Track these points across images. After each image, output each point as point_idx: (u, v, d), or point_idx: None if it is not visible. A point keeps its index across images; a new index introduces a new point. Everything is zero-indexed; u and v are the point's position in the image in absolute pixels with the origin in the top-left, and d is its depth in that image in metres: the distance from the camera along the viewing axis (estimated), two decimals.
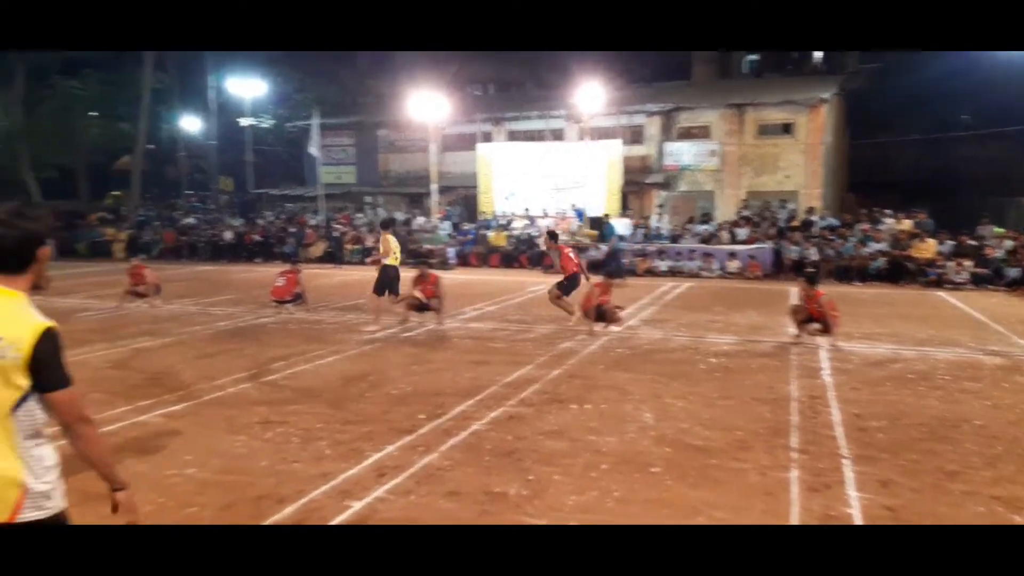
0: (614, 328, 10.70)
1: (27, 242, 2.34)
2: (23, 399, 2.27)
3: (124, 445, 5.53)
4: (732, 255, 20.06)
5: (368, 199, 30.48)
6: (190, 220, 29.22)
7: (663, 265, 20.36)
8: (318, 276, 18.35)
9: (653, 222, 23.85)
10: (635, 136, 27.54)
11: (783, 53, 32.05)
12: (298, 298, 12.62)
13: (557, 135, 28.14)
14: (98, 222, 28.80)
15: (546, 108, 28.38)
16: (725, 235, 21.65)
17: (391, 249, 11.28)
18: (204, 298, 14.66)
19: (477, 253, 23.54)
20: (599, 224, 22.72)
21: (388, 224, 12.23)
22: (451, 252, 23.07)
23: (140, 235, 27.10)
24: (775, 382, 7.74)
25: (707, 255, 20.32)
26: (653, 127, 27.33)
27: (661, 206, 25.77)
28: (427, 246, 23.31)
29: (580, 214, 23.34)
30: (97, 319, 11.96)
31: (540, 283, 17.77)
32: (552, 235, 12.45)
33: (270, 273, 15.45)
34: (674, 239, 22.21)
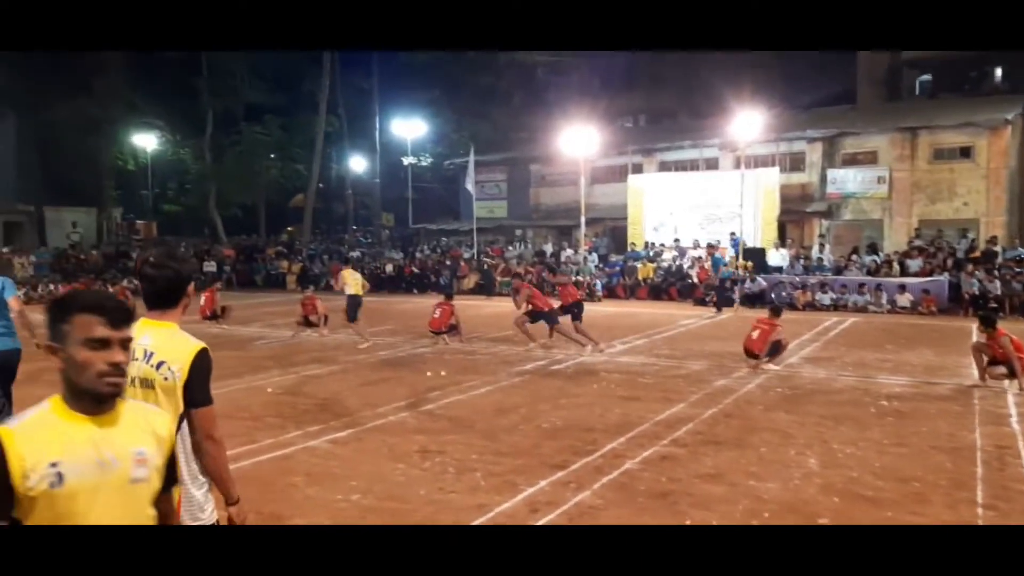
0: (772, 366, 10.24)
1: (178, 281, 2.68)
2: (183, 417, 2.55)
3: (295, 468, 5.90)
4: (902, 288, 18.69)
5: (518, 232, 31.10)
6: (355, 253, 30.97)
7: (825, 298, 19.28)
8: (470, 308, 18.87)
9: (814, 253, 22.69)
10: (795, 163, 26.44)
11: (959, 72, 29.77)
12: (453, 329, 13.04)
13: (711, 164, 27.54)
14: (274, 256, 31.19)
15: (699, 137, 27.88)
16: (895, 266, 20.23)
17: (348, 282, 13.07)
18: (367, 328, 15.44)
19: (624, 285, 23.37)
20: (755, 255, 21.93)
21: (347, 261, 15.51)
22: (598, 284, 23.04)
23: (311, 267, 29.08)
24: (956, 429, 7.09)
25: (875, 288, 19.04)
26: (815, 153, 26.12)
27: (823, 236, 24.47)
28: (576, 277, 23.46)
29: (736, 244, 22.60)
30: (272, 347, 12.91)
31: (691, 316, 17.36)
32: (518, 275, 12.91)
33: (426, 304, 16.10)
34: (838, 271, 21.01)
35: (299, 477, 5.69)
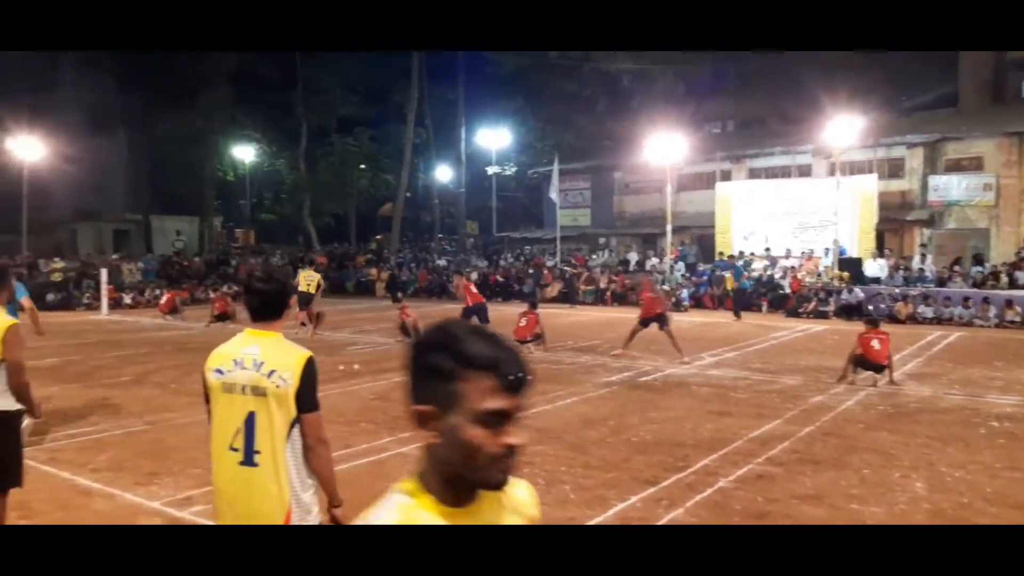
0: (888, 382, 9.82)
1: (285, 295, 2.84)
2: (295, 422, 2.66)
3: (389, 474, 6.04)
4: (1010, 302, 17.64)
5: (602, 240, 30.94)
6: (441, 262, 31.49)
7: (928, 311, 18.39)
8: (554, 316, 18.88)
9: (915, 263, 21.68)
10: (893, 170, 25.39)
11: None
12: (538, 338, 13.09)
13: (804, 171, 26.72)
14: (363, 263, 32.03)
15: (792, 143, 27.10)
16: (1002, 278, 19.12)
17: (299, 281, 15.29)
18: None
19: (712, 295, 22.89)
20: (852, 265, 21.14)
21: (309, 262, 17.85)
22: (685, 294, 22.65)
23: (399, 275, 29.73)
24: None
25: (982, 301, 18.03)
26: (915, 159, 25.02)
27: (924, 245, 23.36)
28: (662, 287, 23.15)
29: (843, 252, 21.88)
30: (363, 352, 13.25)
31: (784, 328, 16.85)
32: (459, 272, 12.93)
33: (510, 312, 16.20)
34: (940, 282, 20.00)
35: (390, 480, 5.81)
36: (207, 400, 2.80)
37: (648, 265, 25.83)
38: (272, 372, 2.63)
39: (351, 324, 17.84)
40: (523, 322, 13.13)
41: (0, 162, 27.04)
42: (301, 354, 2.69)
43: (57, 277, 25.14)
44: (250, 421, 2.65)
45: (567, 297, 24.67)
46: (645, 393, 9.48)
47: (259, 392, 2.64)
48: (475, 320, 13.21)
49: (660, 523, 4.95)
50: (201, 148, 35.27)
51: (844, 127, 21.06)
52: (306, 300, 15.19)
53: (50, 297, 23.99)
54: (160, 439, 7.18)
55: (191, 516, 5.10)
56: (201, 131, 34.26)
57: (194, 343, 14.83)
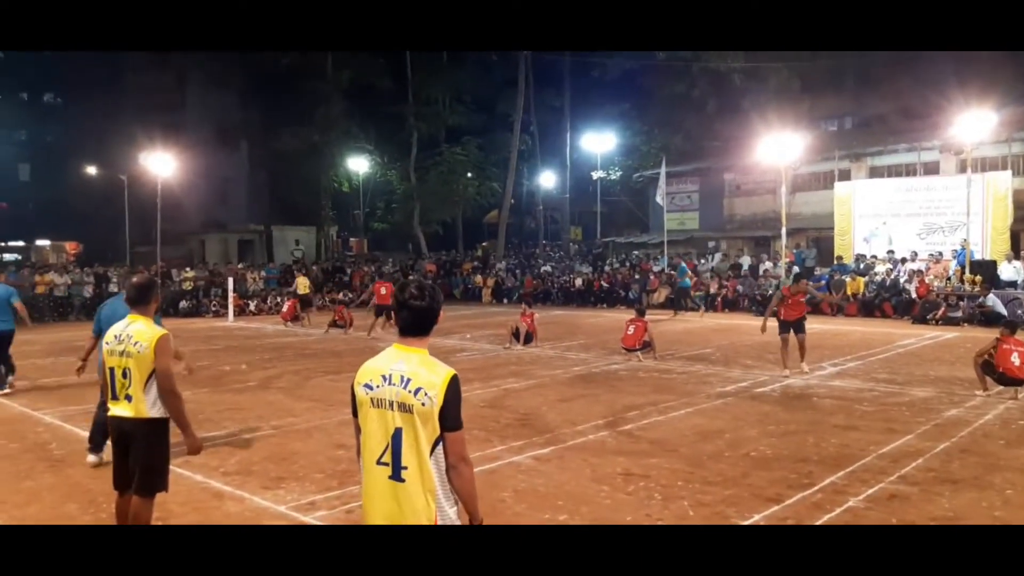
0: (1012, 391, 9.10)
1: (435, 312, 2.88)
2: (439, 440, 2.70)
3: (503, 484, 6.07)
4: None
5: (711, 244, 30.17)
6: (546, 268, 31.55)
7: None
8: (662, 323, 18.55)
9: None
10: None
11: None
12: (647, 346, 12.88)
13: (930, 168, 25.15)
14: (470, 270, 32.53)
15: (916, 139, 25.56)
16: None
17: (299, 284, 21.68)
18: (560, 342, 15.67)
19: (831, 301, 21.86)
20: (985, 268, 19.72)
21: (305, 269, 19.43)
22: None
23: (504, 282, 29.99)
24: None
25: None
26: None
27: None
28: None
29: (961, 256, 20.45)
30: (473, 359, 13.44)
31: (911, 336, 15.91)
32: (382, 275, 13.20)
33: (616, 318, 16.06)
34: None
35: (507, 493, 5.85)
36: (355, 414, 2.87)
37: (761, 269, 24.96)
38: (418, 389, 2.69)
39: (459, 331, 18.12)
40: (631, 330, 12.95)
41: (137, 178, 29.13)
42: (447, 372, 2.73)
43: (188, 286, 26.84)
44: (397, 437, 2.71)
45: (674, 303, 24.19)
46: (763, 405, 9.14)
47: (405, 409, 2.70)
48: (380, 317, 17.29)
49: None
50: (318, 160, 36.84)
51: (975, 121, 19.67)
52: (307, 302, 21.22)
53: (182, 304, 25.63)
54: (284, 444, 7.50)
55: (314, 520, 5.29)
56: (318, 144, 35.79)
57: (312, 349, 15.47)
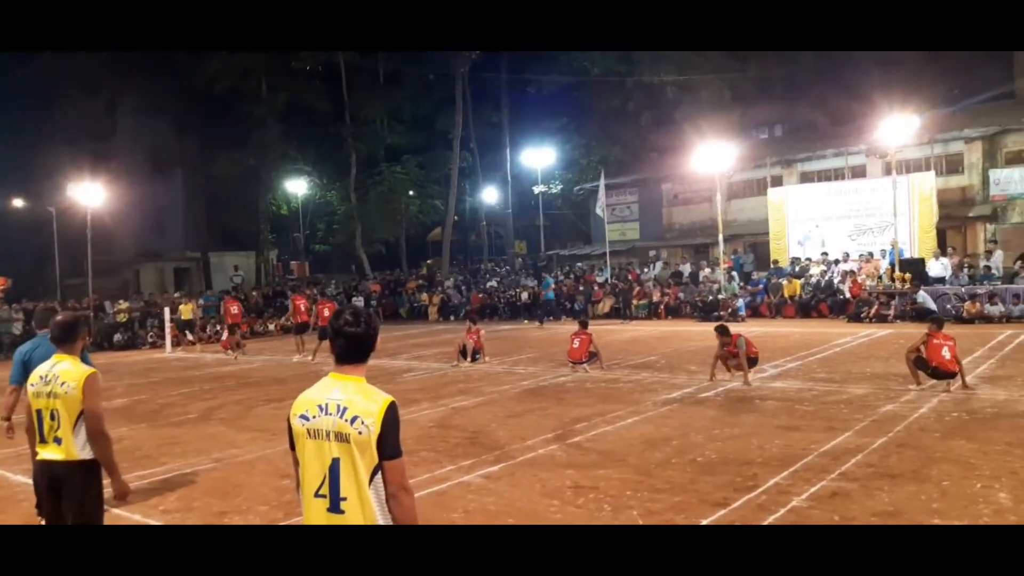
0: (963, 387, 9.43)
1: (371, 339, 2.83)
2: (378, 468, 2.64)
3: (453, 505, 6.01)
4: None
5: (652, 253, 30.64)
6: (492, 283, 31.56)
7: (996, 310, 17.67)
8: (608, 333, 18.70)
9: (981, 261, 20.90)
10: (952, 166, 24.62)
11: None
12: (593, 357, 12.96)
13: (857, 172, 26.06)
14: (415, 289, 32.33)
15: (843, 144, 26.50)
16: None
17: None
18: (508, 357, 15.66)
19: (769, 303, 22.42)
20: (914, 266, 20.48)
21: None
22: (741, 303, 22.21)
23: (450, 299, 29.88)
24: None
25: None
26: (974, 154, 24.22)
27: (994, 241, 22.42)
28: (717, 297, 22.75)
29: (891, 255, 21.19)
30: (420, 378, 13.31)
31: (846, 335, 16.38)
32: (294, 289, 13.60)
33: (562, 331, 16.13)
34: (1011, 278, 19.22)
35: (457, 514, 5.79)
36: (292, 447, 2.80)
37: (701, 276, 25.44)
38: (355, 418, 2.63)
39: (406, 351, 17.96)
40: (576, 343, 13.01)
41: (66, 209, 28.18)
42: (384, 400, 2.68)
43: (123, 317, 25.98)
44: (335, 467, 2.65)
45: (619, 313, 24.47)
46: (707, 410, 9.27)
47: (342, 439, 2.64)
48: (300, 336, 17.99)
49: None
50: (255, 184, 36.24)
51: (898, 125, 20.48)
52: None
53: (117, 337, 24.81)
54: (227, 477, 7.29)
55: None
56: (254, 168, 35.20)
57: (254, 377, 15.13)
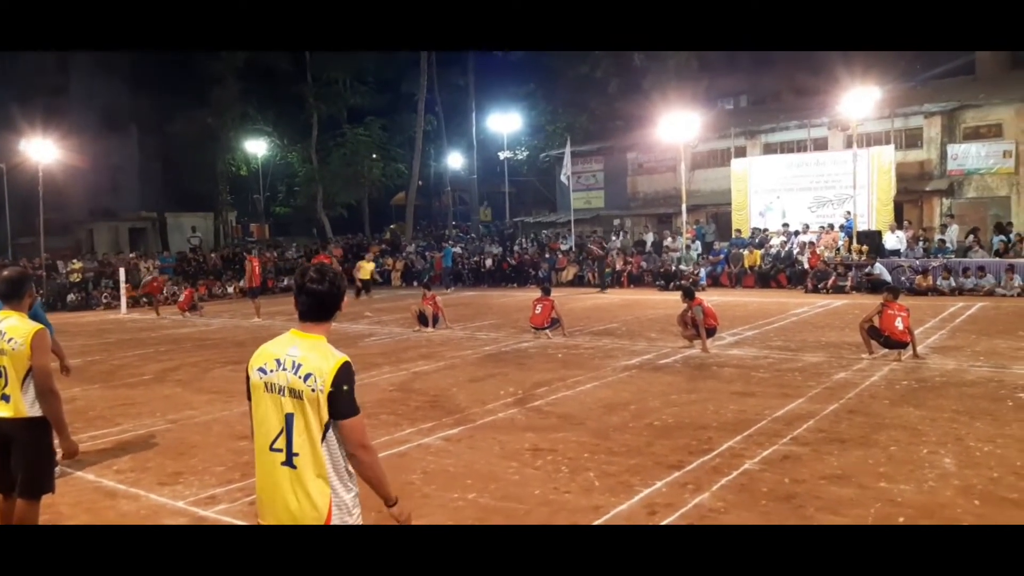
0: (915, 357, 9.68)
1: (335, 297, 2.80)
2: (328, 426, 2.64)
3: (412, 466, 6.02)
4: None
5: (616, 222, 30.77)
6: (456, 249, 31.42)
7: (948, 283, 18.14)
8: (571, 300, 18.80)
9: (936, 234, 21.38)
10: (911, 140, 24.98)
11: None
12: (555, 323, 13.03)
13: (819, 144, 26.35)
14: (378, 253, 32.04)
15: (806, 116, 26.72)
16: None
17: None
18: (470, 323, 15.66)
19: (730, 273, 22.72)
20: (870, 238, 20.87)
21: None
22: (702, 272, 22.47)
23: (413, 264, 29.70)
24: None
25: (1007, 270, 17.76)
26: (933, 128, 24.59)
27: (951, 215, 22.92)
28: (678, 267, 22.98)
29: (849, 227, 21.56)
30: (382, 343, 13.26)
31: (804, 305, 16.69)
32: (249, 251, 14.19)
33: (526, 297, 16.15)
34: (964, 252, 19.72)
35: (416, 475, 5.80)
36: (249, 397, 2.78)
37: (664, 245, 25.63)
38: (308, 375, 2.62)
39: (368, 315, 17.85)
40: (538, 309, 13.05)
41: (16, 165, 27.23)
42: (338, 359, 2.66)
43: (76, 278, 25.36)
44: (289, 422, 2.65)
45: (582, 280, 24.60)
46: (666, 376, 9.40)
47: (296, 395, 2.64)
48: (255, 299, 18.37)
49: (687, 507, 4.89)
50: (213, 144, 35.35)
51: (860, 98, 20.71)
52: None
53: (70, 298, 24.24)
54: (183, 438, 7.20)
55: (215, 515, 5.11)
56: (212, 127, 34.32)
57: (212, 339, 14.92)
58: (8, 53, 34.45)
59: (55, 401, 4.12)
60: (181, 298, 20.81)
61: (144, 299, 22.83)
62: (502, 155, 38.93)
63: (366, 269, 23.27)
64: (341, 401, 2.62)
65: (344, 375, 2.63)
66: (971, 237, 20.29)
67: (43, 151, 24.41)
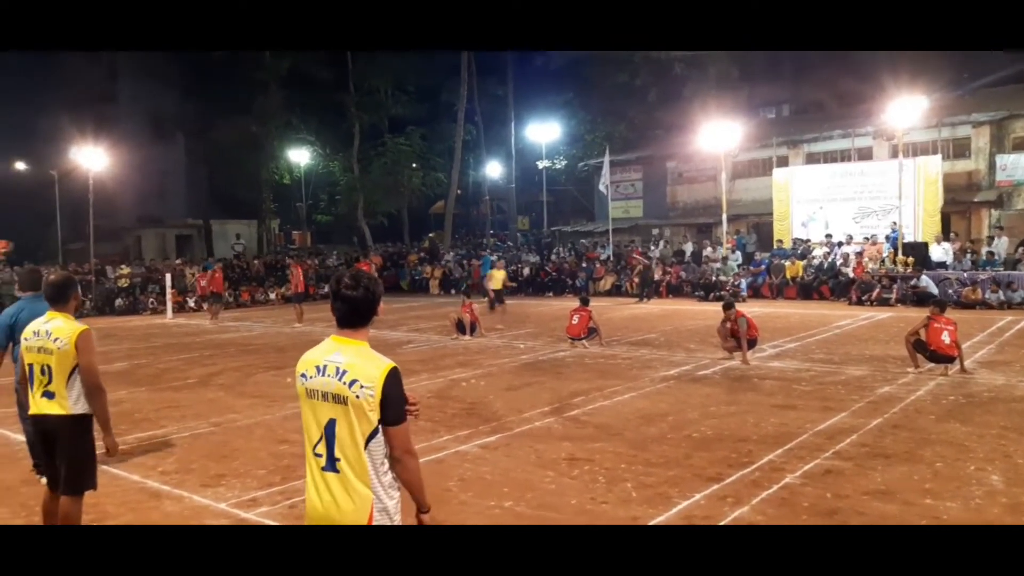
0: (960, 371, 9.45)
1: (371, 302, 2.82)
2: (375, 432, 2.66)
3: (449, 473, 6.05)
4: None
5: (655, 231, 30.57)
6: (493, 257, 31.50)
7: (996, 296, 17.65)
8: (609, 310, 18.72)
9: (984, 246, 20.83)
10: (959, 150, 24.44)
11: None
12: (592, 333, 12.99)
13: (864, 154, 25.90)
14: (417, 262, 32.30)
15: (850, 125, 26.30)
16: None
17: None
18: (507, 331, 15.68)
19: (771, 284, 22.41)
20: (916, 250, 20.41)
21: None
22: (743, 283, 22.21)
23: (451, 272, 29.87)
24: None
25: None
26: (981, 138, 24.03)
27: (1000, 228, 22.31)
28: (718, 277, 22.73)
29: (894, 238, 21.12)
30: (420, 350, 13.35)
31: (847, 317, 16.39)
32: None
33: (563, 307, 16.13)
34: (1012, 265, 19.18)
35: (453, 482, 5.83)
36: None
37: (704, 255, 25.38)
38: (354, 382, 2.65)
39: (407, 323, 17.99)
40: (575, 320, 13.02)
41: (68, 173, 28.08)
42: (386, 365, 2.69)
43: (124, 283, 25.99)
44: (331, 427, 2.68)
45: (620, 290, 24.46)
46: (704, 387, 9.30)
47: (339, 400, 2.66)
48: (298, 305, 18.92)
49: (725, 522, 4.84)
50: (257, 152, 36.00)
51: (906, 107, 20.32)
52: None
53: (118, 302, 24.85)
54: (225, 441, 7.34)
55: (256, 517, 5.19)
56: (257, 135, 34.97)
57: (254, 344, 15.17)
58: (58, 61, 35.65)
59: (102, 397, 4.28)
60: (204, 282, 21.59)
61: (203, 300, 23.35)
62: (540, 164, 39.03)
63: (497, 278, 20.09)
64: (393, 407, 2.66)
65: (393, 381, 2.66)
66: (1020, 250, 19.73)
67: (93, 158, 25.11)
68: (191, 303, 24.45)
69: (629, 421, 7.63)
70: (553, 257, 29.92)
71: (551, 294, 26.00)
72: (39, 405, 4.29)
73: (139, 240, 38.45)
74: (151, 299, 24.90)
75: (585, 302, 13.62)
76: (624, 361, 11.46)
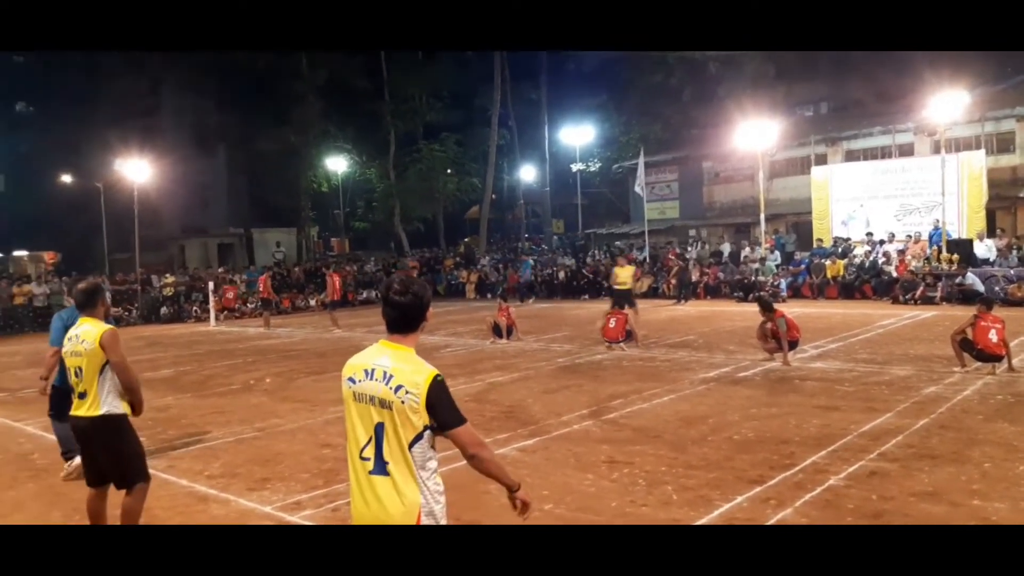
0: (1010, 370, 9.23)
1: (420, 308, 2.86)
2: (419, 436, 2.71)
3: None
4: None
5: (692, 232, 30.31)
6: (529, 261, 31.55)
7: None
8: (646, 312, 18.61)
9: None
10: (1002, 144, 23.84)
11: None
12: (629, 336, 12.94)
13: (904, 151, 25.39)
14: (453, 266, 32.48)
15: (891, 122, 25.81)
16: None
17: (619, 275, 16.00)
18: (544, 334, 15.70)
19: (811, 284, 22.07)
20: (961, 247, 19.94)
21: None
22: (782, 283, 21.91)
23: (487, 277, 29.98)
24: None
25: None
26: None
27: None
28: (757, 278, 22.47)
29: (936, 236, 20.66)
30: (457, 354, 13.43)
31: (890, 316, 16.08)
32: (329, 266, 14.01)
33: (599, 309, 16.05)
34: None
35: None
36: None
37: (742, 255, 25.11)
38: (399, 387, 2.70)
39: (444, 327, 18.11)
40: (612, 323, 12.98)
41: (113, 184, 28.84)
42: (429, 372, 2.73)
43: (169, 292, 26.62)
44: (379, 431, 2.73)
45: (656, 292, 24.30)
46: (745, 389, 9.21)
47: (386, 405, 2.72)
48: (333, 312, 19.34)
49: (769, 523, 4.80)
50: (296, 161, 36.60)
51: (948, 102, 19.88)
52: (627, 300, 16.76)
53: (163, 311, 25.45)
54: (269, 445, 7.48)
55: (300, 520, 5.29)
56: (295, 145, 35.55)
57: (296, 350, 15.41)
58: (103, 77, 36.64)
59: (138, 387, 4.62)
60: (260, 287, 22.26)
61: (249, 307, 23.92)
62: (574, 167, 38.98)
63: (623, 275, 16.03)
64: (443, 414, 2.71)
65: (437, 390, 2.70)
66: None
67: (138, 171, 25.77)
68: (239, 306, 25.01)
69: (669, 423, 7.59)
70: (588, 260, 29.84)
71: (586, 297, 25.94)
72: (76, 406, 4.58)
73: (183, 249, 39.34)
74: (195, 307, 25.44)
75: (621, 305, 13.57)
76: (663, 363, 11.40)
